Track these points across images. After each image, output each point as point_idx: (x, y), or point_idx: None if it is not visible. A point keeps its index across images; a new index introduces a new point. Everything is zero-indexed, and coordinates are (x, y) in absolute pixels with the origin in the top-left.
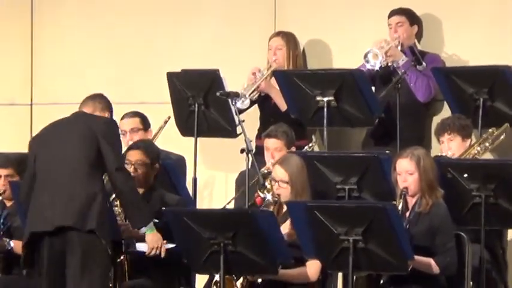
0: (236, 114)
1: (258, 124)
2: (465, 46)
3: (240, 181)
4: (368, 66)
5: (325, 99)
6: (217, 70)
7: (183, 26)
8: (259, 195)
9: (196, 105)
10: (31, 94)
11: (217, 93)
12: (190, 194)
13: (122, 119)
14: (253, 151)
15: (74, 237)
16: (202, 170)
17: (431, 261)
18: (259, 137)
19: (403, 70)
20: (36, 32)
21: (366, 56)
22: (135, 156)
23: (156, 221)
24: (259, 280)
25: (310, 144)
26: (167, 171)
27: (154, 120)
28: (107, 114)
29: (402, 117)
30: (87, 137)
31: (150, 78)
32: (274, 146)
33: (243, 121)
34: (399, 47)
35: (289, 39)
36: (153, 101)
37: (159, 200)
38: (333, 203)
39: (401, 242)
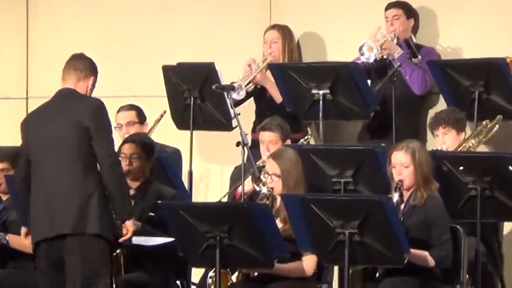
0: (232, 107)
1: (253, 117)
2: (460, 39)
3: (235, 177)
4: (363, 59)
5: (321, 92)
6: (213, 63)
7: (178, 19)
8: (254, 188)
9: (192, 98)
10: (26, 88)
11: (213, 87)
12: (186, 187)
13: (118, 112)
14: (249, 144)
15: (73, 242)
16: (198, 163)
17: (427, 254)
18: (254, 130)
19: (398, 63)
20: (31, 26)
21: (360, 48)
22: (130, 149)
23: (152, 214)
24: (255, 274)
25: (306, 137)
26: (163, 164)
27: (150, 113)
28: (91, 79)
29: (398, 110)
30: (76, 130)
31: (146, 71)
32: (269, 139)
33: (239, 114)
34: (395, 40)
35: (285, 32)
36: (149, 94)
37: (155, 193)
38: (329, 196)
39: (397, 235)
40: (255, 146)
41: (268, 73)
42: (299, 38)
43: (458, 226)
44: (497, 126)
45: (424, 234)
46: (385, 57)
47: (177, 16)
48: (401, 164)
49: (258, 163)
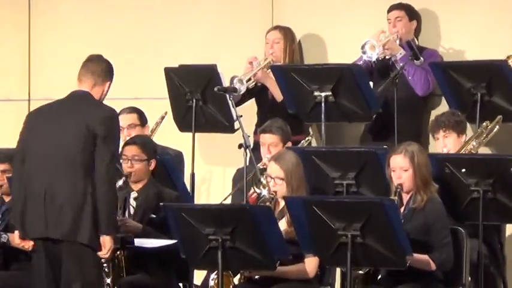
0: (234, 109)
1: (255, 119)
2: (462, 41)
3: (237, 179)
4: (364, 57)
5: (323, 94)
6: (215, 65)
7: (180, 20)
8: (255, 191)
9: (194, 100)
10: (28, 89)
11: (215, 89)
12: (188, 189)
13: (119, 114)
14: (251, 146)
15: (65, 246)
16: (200, 165)
17: (428, 258)
18: (257, 132)
19: (401, 64)
20: (33, 28)
21: (363, 46)
22: (131, 151)
23: (154, 216)
24: (257, 276)
25: (307, 139)
26: (165, 166)
27: (152, 115)
28: (108, 84)
29: (400, 112)
30: (85, 135)
31: (148, 73)
32: (269, 141)
33: (241, 116)
34: (397, 42)
35: (287, 33)
36: (151, 97)
37: (157, 195)
38: (331, 198)
39: (399, 237)
40: (257, 148)
41: (269, 72)
42: (300, 39)
43: (460, 228)
44: (497, 127)
45: (425, 238)
46: (387, 57)
47: (179, 18)
48: (401, 168)
49: (258, 165)
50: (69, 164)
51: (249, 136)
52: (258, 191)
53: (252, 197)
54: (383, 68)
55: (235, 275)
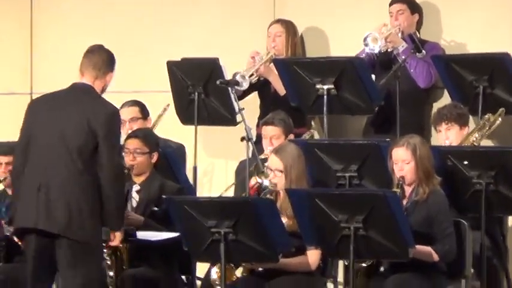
0: (236, 102)
1: (258, 112)
2: (464, 34)
3: (240, 171)
4: (367, 50)
5: (325, 87)
6: (217, 58)
7: (182, 14)
8: (257, 181)
9: (196, 93)
10: (31, 83)
11: (217, 82)
12: (191, 182)
13: (121, 108)
14: (254, 139)
15: (62, 242)
16: (203, 158)
17: (431, 249)
18: (259, 125)
19: (403, 57)
20: (35, 20)
21: (365, 39)
22: (133, 144)
23: (156, 209)
24: (260, 269)
25: (309, 132)
26: (167, 159)
27: (154, 108)
28: (109, 75)
29: (402, 104)
30: (85, 131)
31: (150, 66)
32: (271, 134)
33: (243, 109)
34: (399, 35)
35: (289, 26)
36: (152, 90)
37: (159, 188)
38: (334, 190)
39: (401, 229)
40: (259, 141)
41: (272, 66)
42: (302, 32)
43: (462, 220)
44: (499, 119)
45: (427, 230)
46: (389, 50)
47: (182, 11)
48: (403, 160)
49: (260, 156)
50: (68, 157)
51: (251, 129)
52: (259, 180)
53: (253, 188)
54: (385, 61)
55: (237, 268)
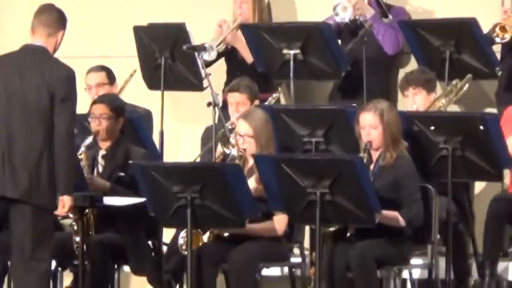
0: (203, 67)
1: (225, 78)
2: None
3: (206, 137)
4: (337, 19)
5: (292, 52)
6: (184, 24)
7: None
8: (224, 151)
9: (163, 58)
10: None
11: (184, 47)
12: (157, 148)
13: (88, 73)
14: (220, 105)
15: (18, 207)
16: (169, 123)
17: (397, 214)
18: (225, 91)
19: (370, 22)
20: None
21: (334, 8)
22: (99, 109)
23: (122, 174)
24: (226, 234)
25: (274, 95)
26: (133, 124)
27: (120, 74)
28: (61, 33)
29: (369, 70)
30: (44, 94)
31: (117, 31)
32: (237, 101)
33: (210, 74)
34: (366, 1)
35: None
36: (120, 55)
37: (125, 153)
38: (300, 156)
39: (368, 195)
40: (226, 106)
41: (239, 33)
42: None
43: (429, 186)
44: (467, 85)
45: (394, 195)
46: (357, 17)
47: None
48: (370, 125)
49: (227, 125)
50: (29, 122)
51: (218, 95)
52: (227, 151)
53: (219, 158)
54: (352, 27)
55: (204, 233)
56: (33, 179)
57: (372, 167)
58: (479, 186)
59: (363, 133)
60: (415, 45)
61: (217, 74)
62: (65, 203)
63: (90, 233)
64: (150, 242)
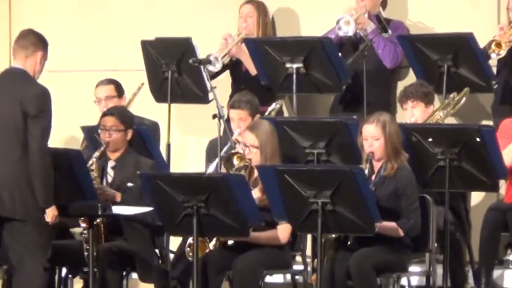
0: (208, 80)
1: (230, 91)
2: (429, 13)
3: (210, 151)
4: (340, 33)
5: (294, 66)
6: (190, 38)
7: None
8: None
9: (170, 72)
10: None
11: (190, 61)
12: (164, 159)
13: (97, 86)
14: (225, 117)
15: (8, 225)
16: (176, 135)
17: (396, 226)
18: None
19: (370, 37)
20: (13, 4)
21: (338, 22)
22: (109, 122)
23: (131, 185)
24: (231, 242)
25: (274, 105)
26: (141, 136)
27: (128, 86)
28: (39, 54)
29: (369, 83)
30: (18, 114)
31: (125, 46)
32: (238, 117)
33: (215, 87)
34: (366, 15)
35: (260, 7)
36: (127, 68)
37: (133, 164)
38: (302, 166)
39: (368, 205)
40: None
41: (243, 46)
42: (273, 13)
43: (427, 195)
44: (464, 98)
45: (394, 204)
46: (358, 31)
47: None
48: (372, 137)
49: (229, 144)
50: (8, 143)
51: (223, 107)
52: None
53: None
54: (352, 41)
55: (211, 240)
56: (15, 195)
57: (373, 177)
58: (475, 196)
59: (365, 144)
60: (414, 59)
61: (222, 87)
62: (48, 214)
63: (100, 241)
64: (157, 250)
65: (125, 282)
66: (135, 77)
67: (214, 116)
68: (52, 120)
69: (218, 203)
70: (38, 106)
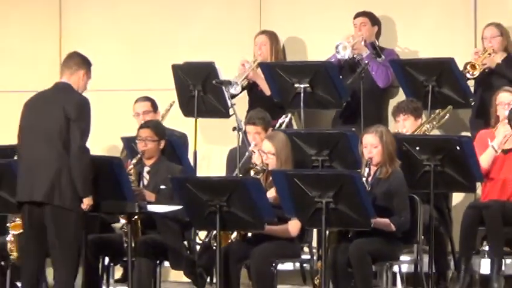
0: (229, 98)
1: (247, 107)
2: (416, 41)
3: (230, 159)
4: (338, 56)
5: (302, 86)
6: (213, 62)
7: (185, 25)
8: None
9: (196, 91)
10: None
11: (214, 81)
12: (192, 165)
13: (136, 102)
14: (243, 129)
15: (47, 209)
16: (201, 144)
17: (389, 221)
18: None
19: (366, 61)
20: (64, 28)
21: (337, 47)
22: (145, 133)
23: (163, 187)
24: (249, 234)
25: (284, 117)
26: (172, 145)
27: (162, 103)
28: (82, 72)
29: (365, 100)
30: (61, 118)
31: (158, 69)
32: (253, 131)
33: (235, 104)
34: (363, 43)
35: (272, 36)
36: (160, 88)
37: (166, 169)
38: (309, 171)
39: (365, 203)
40: None
41: (259, 70)
42: (284, 41)
43: (415, 196)
44: (448, 115)
45: (388, 202)
46: (354, 56)
47: (185, 24)
48: (371, 145)
49: (247, 154)
50: (50, 140)
51: (241, 121)
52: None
53: (244, 171)
54: (350, 63)
55: (232, 233)
56: (55, 185)
57: (370, 178)
58: (456, 196)
59: (365, 151)
60: (403, 80)
61: (240, 103)
62: (84, 202)
63: (137, 234)
64: (185, 242)
65: (158, 269)
66: (166, 95)
67: (234, 129)
68: (91, 124)
69: (238, 202)
70: (78, 111)
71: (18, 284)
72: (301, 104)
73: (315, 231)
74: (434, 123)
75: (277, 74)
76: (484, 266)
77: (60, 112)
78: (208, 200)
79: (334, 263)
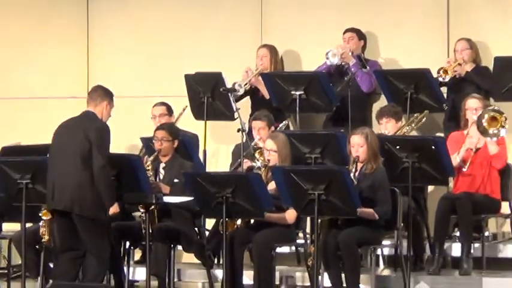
0: (234, 103)
1: (249, 111)
2: (397, 54)
3: (236, 152)
4: (328, 63)
5: (297, 93)
6: (221, 72)
7: (195, 40)
8: (252, 164)
9: (206, 97)
10: (87, 88)
11: (221, 89)
12: (202, 162)
13: (153, 107)
14: (246, 130)
15: (74, 217)
16: (210, 144)
17: (373, 211)
18: (250, 120)
19: (353, 70)
20: (91, 35)
21: (327, 54)
22: (161, 134)
23: (177, 181)
24: (252, 221)
25: (284, 122)
26: (185, 145)
27: (176, 108)
28: (105, 103)
29: (352, 105)
30: (83, 141)
31: (173, 78)
32: (259, 126)
33: (239, 109)
34: (350, 54)
35: (272, 49)
36: (174, 95)
37: (179, 165)
38: (303, 167)
39: (352, 195)
40: (251, 131)
41: (260, 78)
42: (282, 53)
43: (395, 188)
44: (425, 118)
45: (373, 194)
46: (343, 64)
47: (195, 39)
48: (358, 144)
49: (252, 144)
50: (76, 161)
51: (245, 123)
52: (253, 164)
53: (247, 168)
54: (339, 72)
55: (237, 221)
56: (76, 197)
57: (357, 173)
58: (431, 188)
59: (352, 150)
60: (385, 88)
61: (244, 108)
62: (110, 210)
63: (154, 221)
64: (196, 229)
65: (172, 252)
66: (180, 101)
67: (238, 130)
68: (110, 145)
69: (241, 194)
70: (98, 135)
71: (51, 264)
72: (297, 108)
73: (308, 219)
74: (413, 125)
75: (276, 82)
76: (456, 250)
77: (82, 135)
78: (215, 192)
79: (325, 246)
